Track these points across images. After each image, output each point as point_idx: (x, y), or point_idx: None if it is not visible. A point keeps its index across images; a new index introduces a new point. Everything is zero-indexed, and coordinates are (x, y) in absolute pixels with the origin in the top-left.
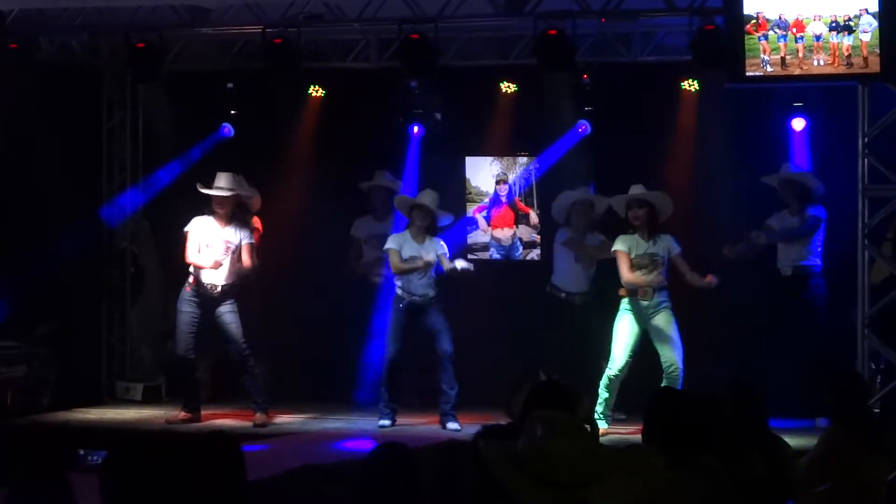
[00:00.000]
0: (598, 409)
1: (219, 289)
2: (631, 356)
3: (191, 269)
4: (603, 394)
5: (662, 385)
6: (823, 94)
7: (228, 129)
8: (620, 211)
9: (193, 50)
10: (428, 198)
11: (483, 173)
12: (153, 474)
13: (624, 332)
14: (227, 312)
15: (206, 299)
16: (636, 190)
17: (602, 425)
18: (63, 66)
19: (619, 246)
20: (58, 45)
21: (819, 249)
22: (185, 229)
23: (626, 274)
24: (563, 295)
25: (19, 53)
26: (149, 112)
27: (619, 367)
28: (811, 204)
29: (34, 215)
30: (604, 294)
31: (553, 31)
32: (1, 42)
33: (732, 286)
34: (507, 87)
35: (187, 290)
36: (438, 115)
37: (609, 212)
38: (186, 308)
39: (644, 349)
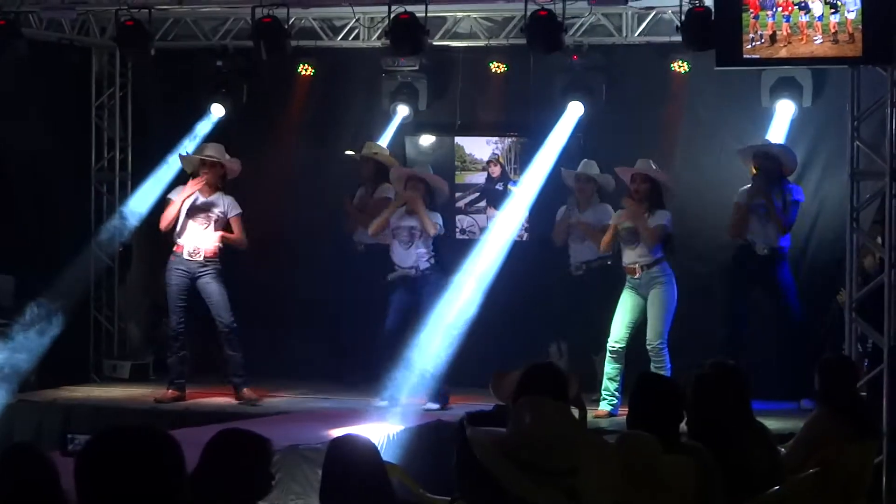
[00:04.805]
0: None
1: (202, 255)
2: (630, 330)
3: (175, 237)
4: (605, 370)
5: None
6: (813, 75)
7: (218, 109)
8: (626, 179)
9: (183, 27)
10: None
11: (478, 142)
12: (129, 464)
13: (620, 305)
14: (210, 283)
15: (191, 266)
16: (642, 164)
17: (603, 407)
18: (52, 42)
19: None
20: (47, 22)
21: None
22: (168, 196)
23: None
24: (571, 268)
25: (7, 29)
26: (137, 89)
27: (614, 339)
28: (785, 181)
29: (21, 192)
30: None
31: (543, 12)
32: None
33: (706, 264)
34: (497, 67)
35: (172, 260)
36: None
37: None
38: (172, 280)
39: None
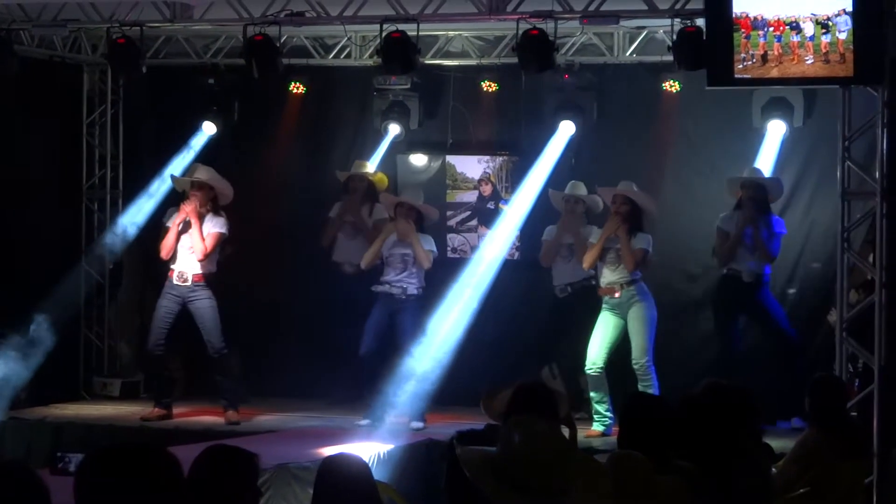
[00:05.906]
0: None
1: (189, 279)
2: (608, 351)
3: (169, 262)
4: (590, 395)
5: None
6: (805, 96)
7: (209, 127)
8: (607, 200)
9: (174, 45)
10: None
11: (469, 161)
12: (130, 481)
13: (599, 326)
14: (201, 307)
15: (182, 291)
16: (624, 186)
17: (596, 427)
18: (43, 59)
19: (593, 238)
20: (39, 39)
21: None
22: (164, 222)
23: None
24: (555, 289)
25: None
26: (129, 107)
27: (591, 361)
28: (768, 211)
29: (11, 209)
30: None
31: (535, 32)
32: None
33: (696, 283)
34: (489, 86)
35: (166, 285)
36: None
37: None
38: (162, 302)
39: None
